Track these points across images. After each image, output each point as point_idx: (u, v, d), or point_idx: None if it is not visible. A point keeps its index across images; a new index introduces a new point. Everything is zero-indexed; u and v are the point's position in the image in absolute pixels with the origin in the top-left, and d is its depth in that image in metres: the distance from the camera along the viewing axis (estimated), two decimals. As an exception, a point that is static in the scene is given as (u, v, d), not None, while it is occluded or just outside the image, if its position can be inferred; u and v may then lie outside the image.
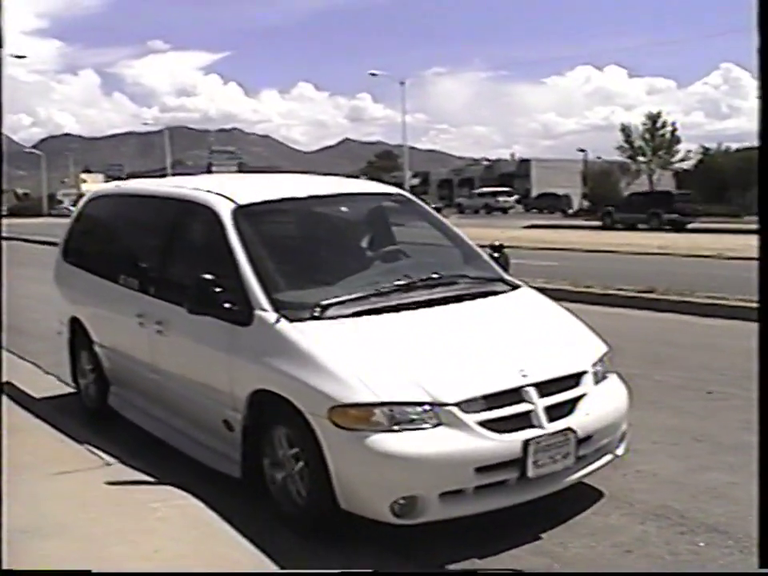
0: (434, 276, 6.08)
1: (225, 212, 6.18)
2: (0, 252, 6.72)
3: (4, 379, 8.02)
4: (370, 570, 4.87)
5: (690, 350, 9.86)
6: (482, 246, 6.99)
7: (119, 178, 45.47)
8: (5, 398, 7.47)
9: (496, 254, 6.87)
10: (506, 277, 6.57)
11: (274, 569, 4.76)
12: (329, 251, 6.70)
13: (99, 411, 8.03)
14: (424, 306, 5.73)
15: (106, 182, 65.99)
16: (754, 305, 12.82)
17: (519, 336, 5.77)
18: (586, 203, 71.74)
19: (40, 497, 5.63)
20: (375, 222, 7.29)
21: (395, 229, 7.23)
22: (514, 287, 6.45)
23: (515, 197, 78.75)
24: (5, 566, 4.29)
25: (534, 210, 74.20)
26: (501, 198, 75.86)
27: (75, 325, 8.25)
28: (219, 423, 5.90)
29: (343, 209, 7.14)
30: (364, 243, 6.99)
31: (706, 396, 8.09)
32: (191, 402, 6.36)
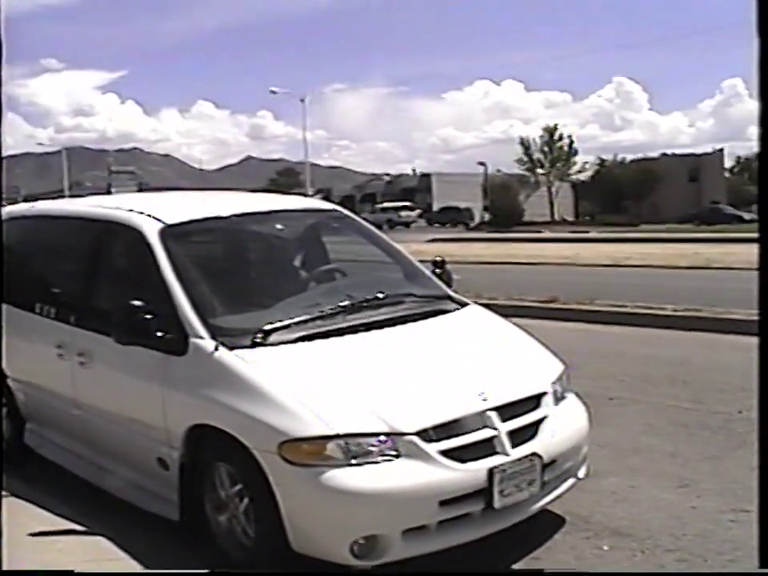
0: (379, 296, 5.73)
1: (152, 233, 5.75)
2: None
3: None
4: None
5: (591, 358, 9.88)
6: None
7: (15, 201, 44.00)
8: None
9: (438, 270, 6.60)
10: (453, 294, 6.26)
11: None
12: (265, 272, 6.34)
13: (12, 450, 7.43)
14: (372, 328, 5.38)
15: (2, 204, 64.09)
16: (654, 311, 13.16)
17: (475, 357, 5.45)
18: (487, 216, 72.60)
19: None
20: (309, 239, 6.94)
21: (332, 246, 6.88)
22: (462, 305, 6.14)
23: (417, 211, 79.25)
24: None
25: (437, 224, 74.70)
26: (403, 213, 76.27)
27: (-16, 358, 7.65)
28: (153, 461, 5.43)
29: (278, 226, 6.74)
30: (297, 262, 6.63)
31: (608, 402, 8.07)
32: (120, 439, 5.86)
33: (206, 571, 4.62)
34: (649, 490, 6.16)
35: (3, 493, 6.03)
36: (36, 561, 4.97)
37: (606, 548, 5.23)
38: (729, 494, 5.88)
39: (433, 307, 5.93)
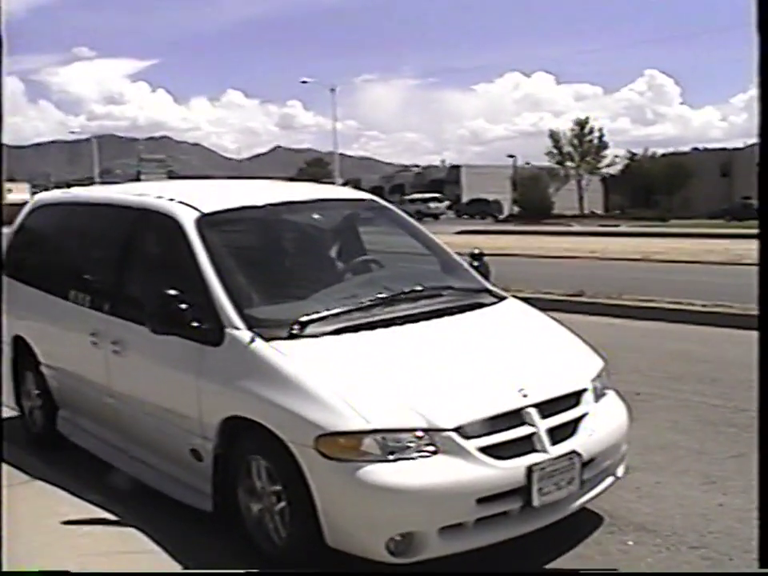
0: (418, 288, 5.65)
1: (188, 221, 5.69)
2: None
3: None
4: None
5: (619, 352, 9.75)
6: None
7: (46, 188, 44.33)
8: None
9: (476, 263, 6.48)
10: (491, 287, 6.17)
11: None
12: (301, 262, 6.25)
13: (45, 436, 7.43)
14: (410, 321, 5.29)
15: (33, 191, 64.43)
16: (683, 306, 12.97)
17: (515, 352, 5.36)
18: (516, 208, 72.33)
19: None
20: (345, 230, 6.86)
21: (368, 237, 6.81)
22: (501, 298, 6.05)
23: (446, 203, 78.93)
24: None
25: (465, 216, 74.50)
26: (432, 204, 75.91)
27: (19, 343, 7.64)
28: (186, 452, 5.38)
29: (315, 216, 6.66)
30: (333, 253, 6.55)
31: (635, 398, 7.93)
32: (153, 428, 5.82)
33: (243, 571, 4.56)
34: (674, 487, 6.10)
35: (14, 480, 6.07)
36: (66, 547, 4.96)
37: (630, 543, 5.18)
38: (755, 492, 5.76)
39: (471, 300, 5.84)
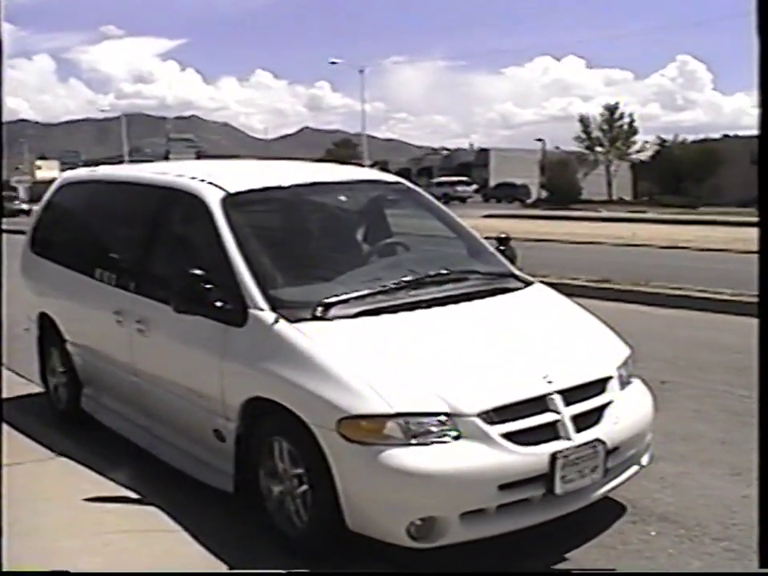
0: (443, 272, 5.61)
1: (214, 201, 5.67)
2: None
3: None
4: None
5: (644, 340, 9.66)
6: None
7: (75, 166, 44.52)
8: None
9: (502, 247, 6.44)
10: (517, 272, 6.12)
11: (222, 566, 4.53)
12: (326, 244, 6.22)
13: (70, 414, 7.48)
14: (435, 305, 5.25)
15: (62, 169, 64.71)
16: (711, 295, 12.84)
17: (540, 338, 5.30)
18: (543, 193, 71.94)
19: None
20: (371, 212, 6.82)
21: (394, 220, 6.77)
22: (527, 283, 6.00)
23: (474, 186, 78.56)
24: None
25: (493, 200, 74.13)
26: (459, 188, 75.52)
27: (45, 321, 7.68)
28: (208, 432, 5.38)
29: (341, 198, 6.63)
30: (359, 235, 6.52)
31: (660, 386, 7.85)
32: (176, 408, 5.82)
33: (284, 572, 4.56)
34: (698, 477, 6.04)
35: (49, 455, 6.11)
36: (88, 524, 4.99)
37: (653, 533, 5.14)
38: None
39: (497, 285, 5.79)
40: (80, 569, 4.38)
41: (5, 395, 8.08)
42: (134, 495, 5.42)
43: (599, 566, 4.74)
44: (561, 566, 4.74)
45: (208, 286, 5.13)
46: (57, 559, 4.50)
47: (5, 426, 6.78)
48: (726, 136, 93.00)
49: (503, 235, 6.52)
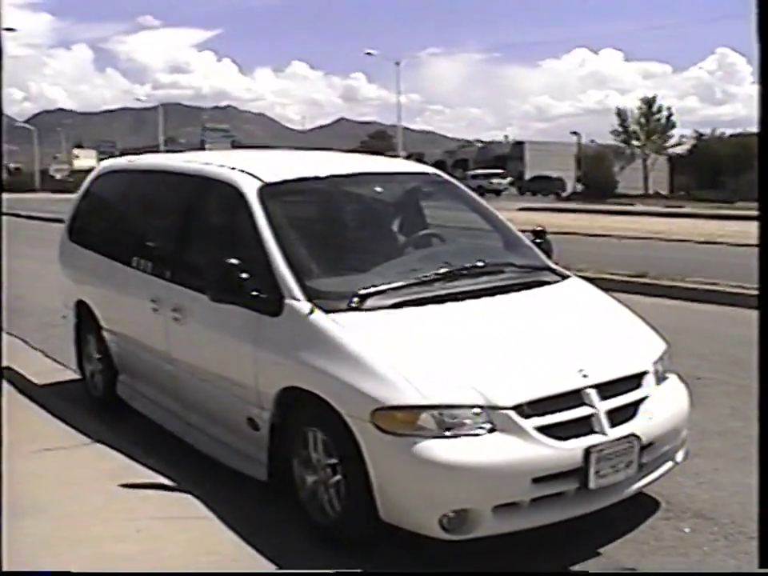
0: (479, 264, 5.60)
1: (250, 191, 5.69)
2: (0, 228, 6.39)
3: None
4: (368, 571, 4.56)
5: (680, 335, 9.59)
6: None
7: (112, 155, 44.79)
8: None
9: (538, 240, 6.41)
10: (554, 266, 6.09)
11: (253, 552, 4.54)
12: (362, 235, 6.23)
13: (106, 400, 7.55)
14: (470, 297, 5.24)
15: (100, 158, 65.14)
16: (748, 291, 12.69)
17: (576, 332, 5.27)
18: (579, 186, 71.49)
19: (18, 475, 5.18)
20: (407, 203, 6.82)
21: (430, 211, 6.77)
22: (564, 277, 5.97)
23: (509, 179, 78.16)
24: (5, 568, 4.00)
25: (528, 193, 73.73)
26: (494, 180, 75.15)
27: (82, 308, 7.74)
28: (242, 421, 5.41)
29: (377, 189, 6.62)
30: (394, 226, 6.52)
31: (695, 382, 7.78)
32: (211, 396, 5.86)
33: (332, 572, 4.57)
34: (733, 474, 5.98)
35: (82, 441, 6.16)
36: (122, 510, 5.03)
37: (687, 530, 5.11)
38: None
39: (533, 278, 5.77)
40: (110, 555, 4.42)
41: (42, 381, 8.19)
42: (168, 482, 5.44)
43: (632, 562, 4.71)
44: (593, 561, 4.72)
45: (244, 276, 5.14)
46: (88, 545, 4.54)
47: (43, 412, 6.86)
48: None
49: (539, 228, 6.49)
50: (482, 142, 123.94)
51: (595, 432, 4.62)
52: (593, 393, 4.68)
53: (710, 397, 7.73)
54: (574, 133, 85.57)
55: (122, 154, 13.98)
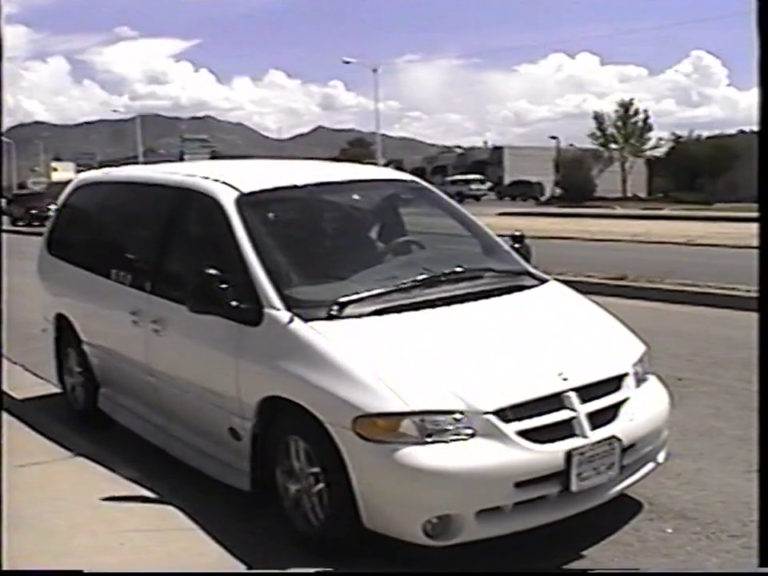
0: (458, 270, 5.61)
1: (228, 200, 5.68)
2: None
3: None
4: (350, 570, 4.58)
5: (660, 337, 9.64)
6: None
7: (91, 167, 44.58)
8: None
9: (517, 245, 6.43)
10: (532, 270, 6.11)
11: (237, 563, 4.52)
12: (340, 243, 6.24)
13: (87, 413, 7.52)
14: (450, 303, 5.25)
15: (78, 170, 64.95)
16: (728, 292, 12.75)
17: (555, 335, 5.29)
18: (558, 191, 71.77)
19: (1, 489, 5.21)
20: (385, 210, 6.83)
21: (409, 218, 6.78)
22: (543, 281, 5.99)
23: (488, 184, 78.47)
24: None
25: (507, 198, 74.08)
26: (474, 186, 75.47)
27: (62, 321, 7.71)
28: (225, 431, 5.40)
29: (355, 197, 6.63)
30: (373, 234, 6.53)
31: (677, 383, 7.83)
32: (192, 407, 5.85)
33: (313, 571, 4.57)
34: (715, 474, 6.01)
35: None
36: (105, 523, 5.02)
37: (669, 531, 5.12)
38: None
39: (512, 283, 5.78)
40: (95, 567, 4.38)
41: (23, 396, 8.15)
42: (150, 494, 5.42)
43: (616, 564, 4.72)
44: (577, 564, 4.73)
45: (223, 286, 5.14)
46: (72, 558, 4.51)
47: (23, 427, 6.83)
48: (742, 132, 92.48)
49: (517, 233, 6.51)
50: (461, 147, 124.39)
51: (576, 435, 4.64)
52: (573, 396, 4.70)
53: (692, 397, 7.76)
54: (553, 137, 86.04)
55: (101, 166, 13.94)
